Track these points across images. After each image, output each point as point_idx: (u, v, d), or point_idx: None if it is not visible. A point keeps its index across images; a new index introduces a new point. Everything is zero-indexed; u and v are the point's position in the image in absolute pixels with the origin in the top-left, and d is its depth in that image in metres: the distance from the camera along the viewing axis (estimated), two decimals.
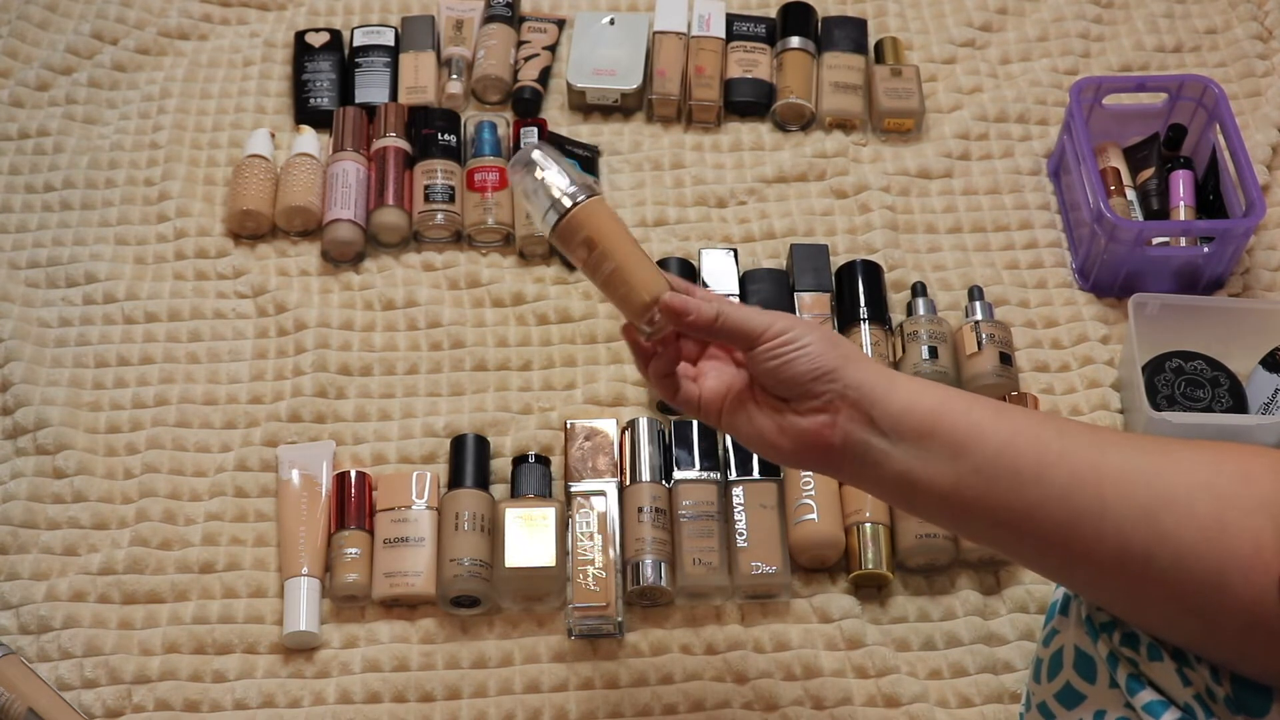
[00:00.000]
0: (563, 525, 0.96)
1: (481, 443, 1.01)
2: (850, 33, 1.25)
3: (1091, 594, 0.69)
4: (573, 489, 0.98)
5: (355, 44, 1.27)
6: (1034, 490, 0.65)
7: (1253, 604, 0.59)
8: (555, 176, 0.74)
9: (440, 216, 1.13)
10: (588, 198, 0.74)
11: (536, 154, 0.75)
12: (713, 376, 0.75)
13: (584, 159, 1.18)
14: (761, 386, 0.72)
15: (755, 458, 0.99)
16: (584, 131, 1.23)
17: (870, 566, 0.95)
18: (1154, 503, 0.62)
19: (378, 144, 1.17)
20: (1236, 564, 0.60)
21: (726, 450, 1.00)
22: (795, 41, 1.24)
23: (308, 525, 0.98)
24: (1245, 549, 0.60)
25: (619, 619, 0.94)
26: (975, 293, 1.08)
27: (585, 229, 0.73)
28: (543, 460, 1.00)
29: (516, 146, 1.17)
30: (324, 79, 1.24)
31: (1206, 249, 1.09)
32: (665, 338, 0.75)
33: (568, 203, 0.74)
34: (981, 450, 0.66)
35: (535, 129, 1.18)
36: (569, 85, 1.23)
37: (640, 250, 0.74)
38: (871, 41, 1.27)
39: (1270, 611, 0.59)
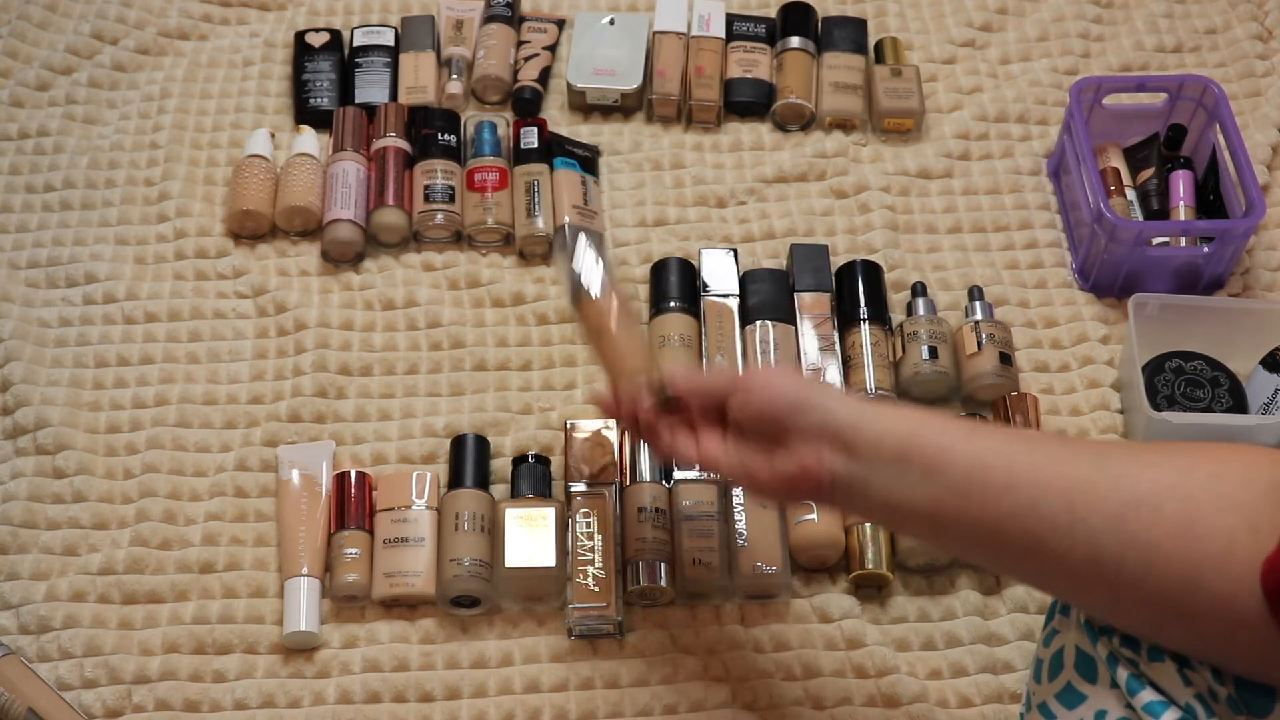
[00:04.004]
0: (563, 525, 0.96)
1: (481, 443, 1.01)
2: (850, 33, 1.25)
3: (1075, 601, 0.70)
4: (573, 489, 0.98)
5: (355, 44, 1.27)
6: (1005, 502, 0.66)
7: (1230, 602, 0.60)
8: (590, 261, 0.87)
9: (440, 216, 1.14)
10: (608, 279, 0.86)
11: (581, 239, 0.88)
12: (707, 437, 0.80)
13: (584, 159, 1.18)
14: (751, 435, 0.77)
15: None
16: (584, 131, 1.23)
17: (870, 566, 0.95)
18: (1121, 507, 0.63)
19: (378, 144, 1.17)
20: (1209, 564, 0.60)
21: None
22: (795, 41, 1.24)
23: (308, 525, 0.98)
24: (1216, 548, 0.60)
25: (619, 619, 0.94)
26: (975, 293, 1.08)
27: (605, 302, 0.85)
28: (543, 460, 1.00)
29: (517, 146, 1.17)
30: (324, 79, 1.24)
31: (1206, 249, 1.09)
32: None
33: (596, 279, 0.86)
34: (954, 469, 0.68)
35: (535, 129, 1.18)
36: (569, 85, 1.23)
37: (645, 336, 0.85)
38: (871, 41, 1.27)
39: (1249, 609, 0.59)
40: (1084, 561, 0.64)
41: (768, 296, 1.08)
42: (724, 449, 0.79)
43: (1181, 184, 1.13)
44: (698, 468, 0.81)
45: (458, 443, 1.01)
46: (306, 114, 1.23)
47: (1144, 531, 0.62)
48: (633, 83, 1.23)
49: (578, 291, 0.86)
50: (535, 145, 1.17)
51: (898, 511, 0.72)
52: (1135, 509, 0.62)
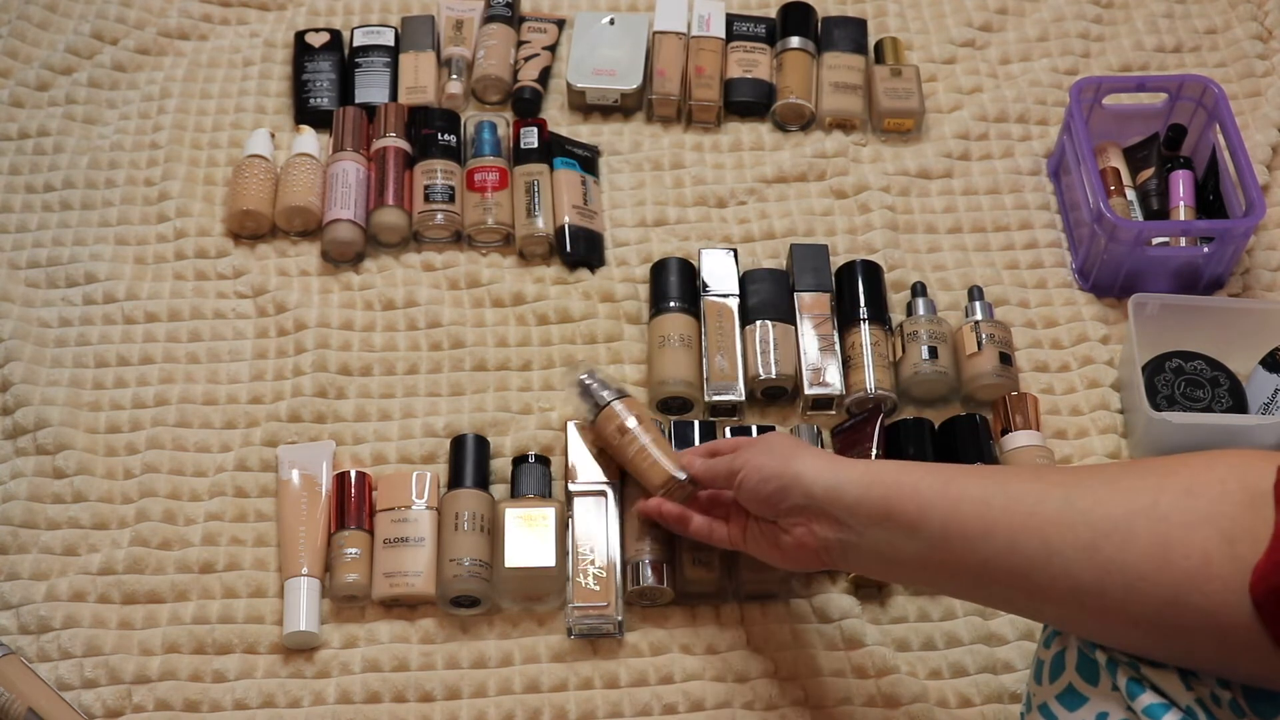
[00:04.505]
0: (563, 525, 0.96)
1: (481, 443, 1.01)
2: (850, 33, 1.25)
3: (1070, 630, 0.71)
4: (572, 489, 0.98)
5: (355, 44, 1.27)
6: (985, 548, 0.69)
7: (1215, 615, 0.60)
8: (597, 390, 0.97)
9: (440, 216, 1.13)
10: (614, 400, 0.96)
11: (585, 378, 0.98)
12: (732, 523, 0.89)
13: (584, 159, 1.18)
14: (756, 518, 0.85)
15: None
16: (584, 131, 1.23)
17: None
18: (1093, 536, 0.65)
19: (378, 144, 1.17)
20: (1187, 580, 0.61)
21: None
22: (795, 41, 1.24)
23: (308, 525, 0.98)
24: (1192, 564, 0.61)
25: (619, 619, 0.94)
26: (975, 293, 1.08)
27: (614, 421, 0.96)
28: (543, 460, 1.00)
29: (517, 146, 1.17)
30: (324, 79, 1.24)
31: (1206, 249, 1.09)
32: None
33: (601, 403, 0.97)
34: (932, 523, 0.72)
35: (535, 129, 1.18)
36: (569, 85, 1.23)
37: (659, 438, 0.94)
38: (871, 41, 1.27)
39: (1235, 620, 0.60)
40: (1068, 593, 0.66)
41: (768, 296, 1.08)
42: (743, 533, 0.87)
43: (1181, 184, 1.13)
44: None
45: (458, 443, 1.01)
46: (306, 114, 1.23)
47: (1119, 556, 0.63)
48: (633, 83, 1.23)
49: (594, 418, 0.97)
50: (535, 145, 1.17)
51: (892, 565, 0.77)
52: (1108, 536, 0.64)
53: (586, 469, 0.99)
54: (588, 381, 0.98)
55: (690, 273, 1.10)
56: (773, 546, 0.84)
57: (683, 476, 0.91)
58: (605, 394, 0.97)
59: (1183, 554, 0.61)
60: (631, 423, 0.95)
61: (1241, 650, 0.61)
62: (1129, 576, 0.63)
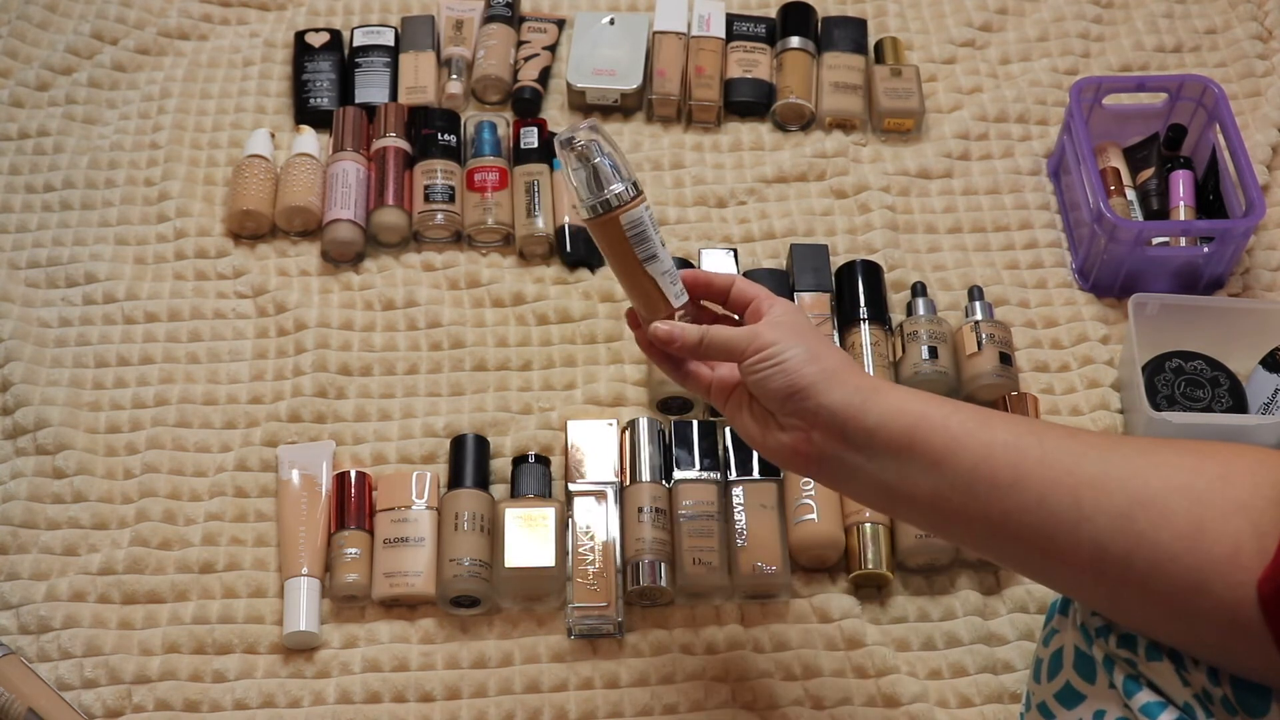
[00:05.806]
0: (563, 525, 0.96)
1: (481, 443, 1.01)
2: (850, 33, 1.25)
3: (1074, 594, 0.70)
4: (572, 489, 0.98)
5: (355, 44, 1.27)
6: (1011, 498, 0.66)
7: (1232, 606, 0.60)
8: (601, 171, 0.76)
9: (440, 216, 1.14)
10: (619, 206, 0.76)
11: (590, 141, 0.76)
12: (726, 367, 0.78)
13: None
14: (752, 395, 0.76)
15: (755, 457, 0.99)
16: None
17: (870, 566, 0.95)
18: (1130, 506, 0.62)
19: (378, 144, 1.17)
20: (1214, 567, 0.60)
21: (726, 450, 1.00)
22: (795, 41, 1.24)
23: (308, 525, 0.98)
24: (1223, 552, 0.60)
25: (619, 619, 0.94)
26: (975, 293, 1.08)
27: (612, 232, 0.77)
28: (542, 460, 1.00)
29: (517, 146, 1.17)
30: (324, 79, 1.24)
31: (1206, 249, 1.09)
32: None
33: (601, 208, 0.76)
34: (959, 463, 0.67)
35: (535, 129, 1.18)
36: (569, 85, 1.23)
37: (656, 259, 0.78)
38: (871, 41, 1.27)
39: (1249, 614, 0.59)
40: (1090, 559, 0.64)
41: None
42: (726, 398, 0.78)
43: (1181, 184, 1.13)
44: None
45: (458, 443, 1.01)
46: (306, 114, 1.23)
47: (1153, 532, 0.62)
48: (633, 83, 1.23)
49: (600, 213, 0.77)
50: (535, 145, 1.17)
51: (894, 500, 0.72)
52: (1144, 509, 0.62)
53: (588, 468, 0.99)
54: (597, 158, 0.76)
55: None
56: (760, 431, 0.76)
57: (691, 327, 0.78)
58: (618, 187, 0.76)
59: (1214, 540, 0.60)
60: (651, 233, 0.77)
61: (1247, 647, 0.60)
62: (1159, 554, 0.61)
